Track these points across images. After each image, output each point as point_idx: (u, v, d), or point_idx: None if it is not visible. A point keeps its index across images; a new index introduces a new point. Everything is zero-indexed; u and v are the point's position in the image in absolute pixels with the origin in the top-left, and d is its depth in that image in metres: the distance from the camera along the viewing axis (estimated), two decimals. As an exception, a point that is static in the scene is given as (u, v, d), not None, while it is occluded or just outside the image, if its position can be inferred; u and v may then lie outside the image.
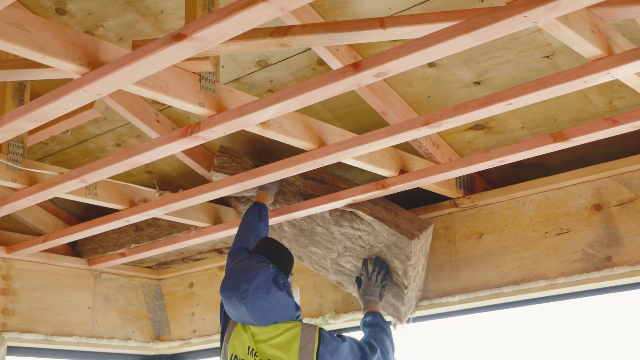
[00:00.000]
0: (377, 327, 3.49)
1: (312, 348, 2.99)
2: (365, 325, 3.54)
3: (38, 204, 4.46)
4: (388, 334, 3.47)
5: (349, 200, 3.52)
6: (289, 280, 3.12)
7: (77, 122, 3.53)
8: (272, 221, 3.83)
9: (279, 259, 3.11)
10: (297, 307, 3.10)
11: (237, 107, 2.64)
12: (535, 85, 2.43)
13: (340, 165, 3.61)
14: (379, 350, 3.27)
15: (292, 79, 3.34)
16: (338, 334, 3.13)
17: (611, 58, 2.31)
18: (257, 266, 3.02)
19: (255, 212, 3.49)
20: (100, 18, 3.17)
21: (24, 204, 3.50)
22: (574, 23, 2.22)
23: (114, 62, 2.29)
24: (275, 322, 3.05)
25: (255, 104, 2.57)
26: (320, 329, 3.05)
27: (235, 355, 3.10)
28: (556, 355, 3.66)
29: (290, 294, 3.06)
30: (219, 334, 4.58)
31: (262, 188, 3.60)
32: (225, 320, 3.31)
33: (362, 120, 3.52)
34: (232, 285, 3.02)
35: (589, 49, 2.31)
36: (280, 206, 3.73)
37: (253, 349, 3.04)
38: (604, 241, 3.33)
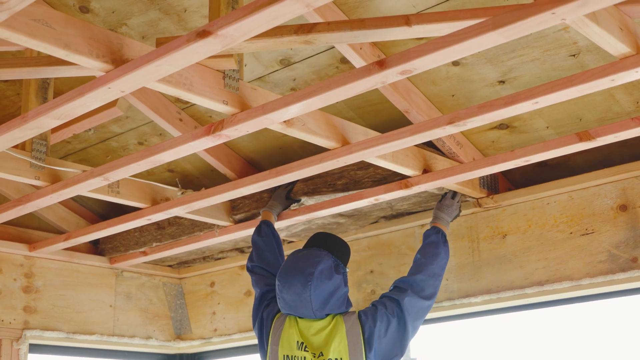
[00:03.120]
0: (431, 244, 3.37)
1: (357, 330, 3.14)
2: (426, 236, 3.42)
3: (60, 202, 4.47)
4: (440, 252, 3.35)
5: (372, 200, 3.50)
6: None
7: (99, 121, 3.53)
8: (293, 220, 3.82)
9: (336, 250, 3.31)
10: (349, 302, 3.26)
11: (260, 105, 2.63)
12: (562, 84, 2.41)
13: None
14: (409, 289, 3.22)
15: (315, 77, 3.33)
16: (374, 304, 3.24)
17: (640, 56, 2.29)
18: (320, 253, 3.22)
19: (261, 233, 3.66)
20: (124, 16, 3.17)
21: (47, 202, 3.50)
22: (603, 20, 2.19)
23: (138, 59, 2.28)
24: (329, 313, 3.19)
25: (279, 102, 2.56)
26: (360, 312, 3.19)
27: (286, 355, 3.19)
28: (580, 357, 3.63)
29: (347, 284, 3.23)
30: (240, 334, 4.60)
31: (268, 206, 3.77)
32: (267, 322, 3.35)
33: (385, 119, 3.51)
34: (295, 270, 3.17)
35: (617, 47, 2.28)
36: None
37: (302, 342, 3.18)
38: (629, 242, 3.29)
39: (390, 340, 3.16)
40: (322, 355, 3.13)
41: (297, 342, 3.18)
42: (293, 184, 3.81)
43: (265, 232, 3.63)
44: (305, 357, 3.15)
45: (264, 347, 3.31)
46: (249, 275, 3.69)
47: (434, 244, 3.36)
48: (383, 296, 3.28)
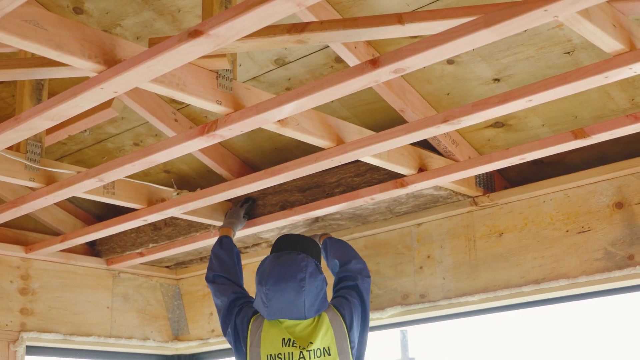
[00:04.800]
0: (335, 241, 3.76)
1: (339, 320, 3.30)
2: (326, 244, 3.76)
3: (56, 204, 4.47)
4: (344, 241, 3.78)
5: (367, 199, 3.50)
6: None
7: (95, 122, 3.53)
8: (290, 220, 3.82)
9: (311, 250, 3.38)
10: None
11: (254, 104, 2.63)
12: (556, 81, 2.40)
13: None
14: (356, 275, 3.53)
15: (310, 77, 3.32)
16: (339, 296, 3.45)
17: (633, 53, 2.28)
18: (302, 257, 3.27)
19: (223, 245, 3.71)
20: (118, 17, 3.16)
21: (42, 204, 3.50)
22: (596, 17, 2.19)
23: (131, 59, 2.28)
24: (318, 312, 3.27)
25: (273, 102, 2.56)
26: (333, 304, 3.37)
27: (270, 355, 3.22)
28: (577, 355, 3.63)
29: (326, 282, 3.33)
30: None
31: (227, 223, 3.85)
32: (242, 327, 3.37)
33: (380, 118, 3.50)
34: (285, 277, 3.21)
35: (610, 44, 2.27)
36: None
37: (290, 339, 3.22)
38: (625, 240, 3.29)
39: (362, 323, 3.41)
40: (312, 343, 3.20)
41: (284, 339, 3.22)
42: (248, 203, 3.90)
43: (227, 245, 3.70)
44: (292, 353, 3.19)
45: (242, 350, 3.34)
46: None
47: (335, 239, 3.76)
48: (340, 288, 3.49)
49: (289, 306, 3.22)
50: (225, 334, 3.45)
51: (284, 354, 3.19)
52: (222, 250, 3.68)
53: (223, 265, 3.62)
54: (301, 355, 3.19)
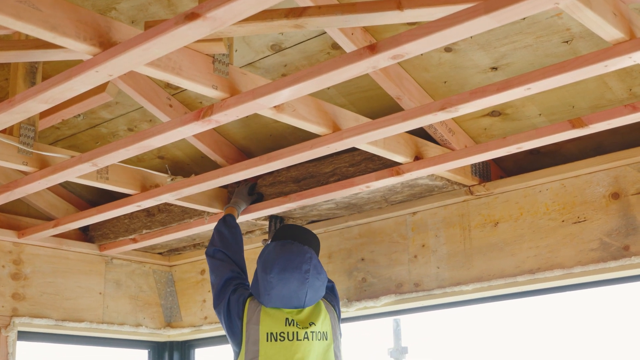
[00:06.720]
0: None
1: (332, 310, 3.43)
2: None
3: (49, 189, 4.44)
4: None
5: (362, 187, 3.48)
6: None
7: (89, 106, 3.50)
8: (284, 207, 3.80)
9: (313, 244, 3.46)
10: None
11: (250, 89, 2.61)
12: (554, 70, 2.39)
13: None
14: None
15: (307, 63, 3.30)
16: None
17: (633, 42, 2.27)
18: (306, 249, 3.33)
19: (227, 223, 3.69)
20: (113, 0, 3.13)
21: (35, 188, 3.47)
22: (596, 5, 2.17)
23: (126, 42, 2.25)
24: (314, 303, 3.35)
25: (269, 87, 2.54)
26: (324, 297, 3.47)
27: (270, 333, 3.26)
28: (571, 345, 3.63)
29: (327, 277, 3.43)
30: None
31: (232, 202, 3.84)
32: (238, 305, 3.37)
33: (377, 106, 3.48)
34: (291, 267, 3.26)
35: (610, 32, 2.26)
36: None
37: (292, 320, 3.28)
38: (621, 230, 3.28)
39: (340, 317, 3.53)
40: (314, 324, 3.28)
41: (287, 319, 3.27)
42: (249, 184, 3.89)
43: (231, 223, 3.69)
44: (297, 332, 3.25)
45: (238, 325, 3.35)
46: None
47: None
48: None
49: (290, 295, 3.27)
50: (215, 307, 3.46)
51: (288, 332, 3.25)
52: (226, 227, 3.67)
53: (224, 241, 3.62)
54: (305, 335, 3.25)
